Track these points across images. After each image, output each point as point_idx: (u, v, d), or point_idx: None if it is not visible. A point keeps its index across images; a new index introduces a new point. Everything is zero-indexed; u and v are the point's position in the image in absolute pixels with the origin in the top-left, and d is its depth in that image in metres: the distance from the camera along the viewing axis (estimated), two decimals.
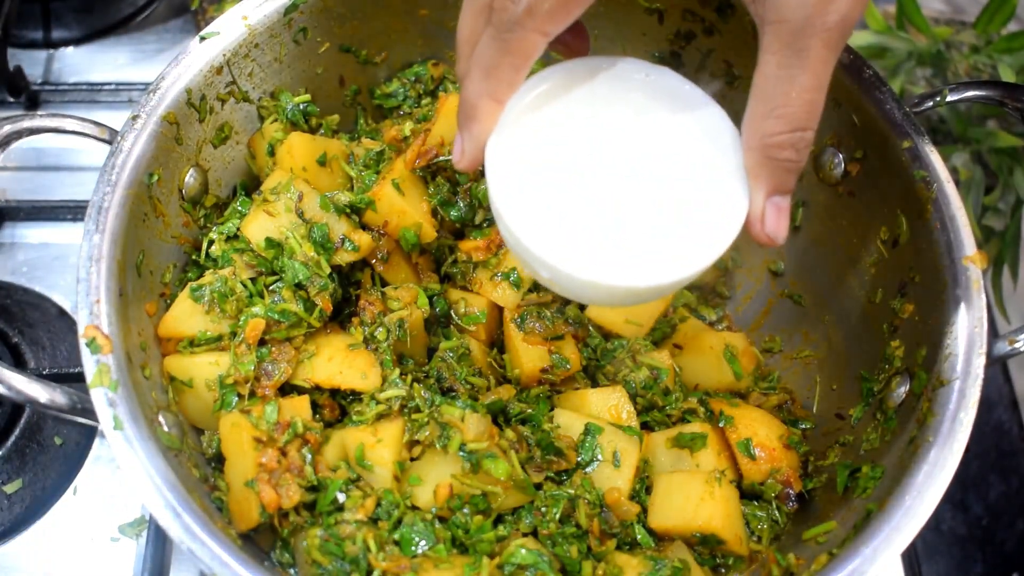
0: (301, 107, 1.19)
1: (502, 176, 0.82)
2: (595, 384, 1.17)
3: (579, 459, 1.03)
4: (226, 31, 1.11)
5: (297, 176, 1.12)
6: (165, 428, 0.95)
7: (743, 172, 0.81)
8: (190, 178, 1.11)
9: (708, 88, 0.91)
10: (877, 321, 1.11)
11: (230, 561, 0.84)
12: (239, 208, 1.13)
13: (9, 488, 1.15)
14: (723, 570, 1.03)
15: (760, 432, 1.09)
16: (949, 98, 1.08)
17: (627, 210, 0.81)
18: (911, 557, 1.17)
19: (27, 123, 1.01)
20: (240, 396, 0.99)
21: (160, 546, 1.11)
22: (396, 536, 0.95)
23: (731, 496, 1.03)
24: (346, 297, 1.13)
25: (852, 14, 0.71)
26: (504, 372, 1.17)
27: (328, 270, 1.05)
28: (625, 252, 0.80)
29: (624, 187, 0.82)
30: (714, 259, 0.81)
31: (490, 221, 1.20)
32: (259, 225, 1.06)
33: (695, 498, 1.00)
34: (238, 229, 1.09)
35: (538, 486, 1.02)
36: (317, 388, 1.04)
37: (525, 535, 0.99)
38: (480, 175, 1.19)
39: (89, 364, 0.89)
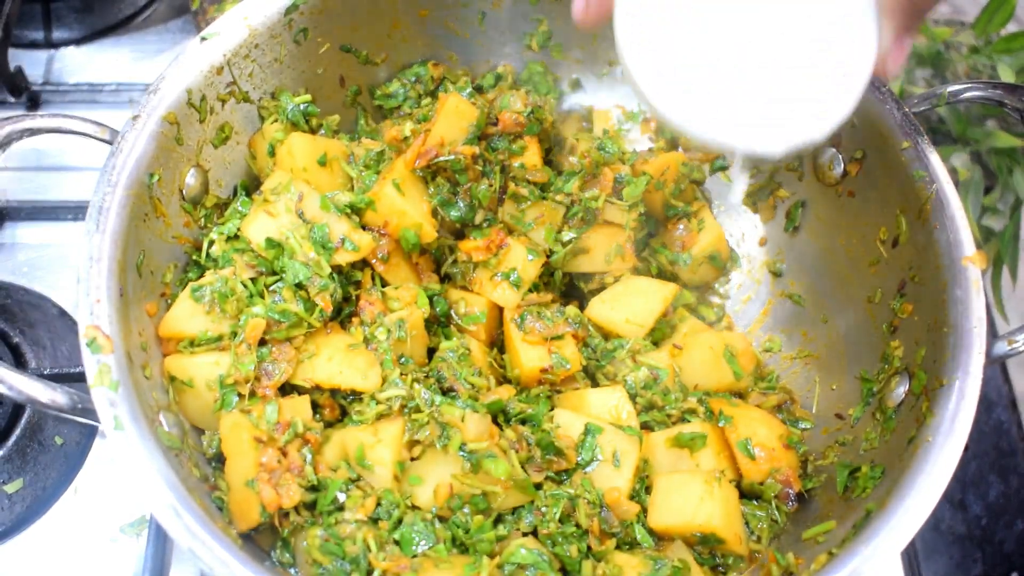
0: (301, 107, 1.19)
1: (631, 31, 0.80)
2: (595, 384, 1.18)
3: (579, 459, 1.04)
4: (226, 32, 1.11)
5: (297, 176, 1.12)
6: (165, 428, 0.95)
7: (872, 11, 0.78)
8: (190, 178, 1.11)
9: None
10: (877, 321, 1.11)
11: (230, 561, 0.84)
12: (239, 208, 1.13)
13: (10, 488, 1.15)
14: (723, 570, 1.03)
15: (760, 432, 1.09)
16: (948, 98, 1.08)
17: (757, 59, 0.79)
18: (911, 556, 1.17)
19: (28, 123, 1.01)
20: (240, 396, 0.99)
21: (160, 546, 1.11)
22: (396, 536, 0.95)
23: (731, 496, 1.03)
24: (346, 297, 1.13)
25: None
26: (504, 372, 1.17)
27: (328, 270, 1.05)
28: (759, 110, 0.79)
29: (753, 33, 0.79)
30: (848, 112, 0.80)
31: (490, 221, 1.20)
32: (259, 225, 1.06)
33: (695, 498, 1.00)
34: (238, 229, 1.09)
35: (538, 486, 1.02)
36: (317, 388, 1.04)
37: (525, 535, 0.99)
38: (479, 174, 1.19)
39: (90, 364, 0.89)
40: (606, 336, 1.22)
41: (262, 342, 1.02)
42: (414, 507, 0.99)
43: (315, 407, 1.04)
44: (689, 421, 1.12)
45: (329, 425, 1.04)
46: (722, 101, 0.79)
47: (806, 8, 0.79)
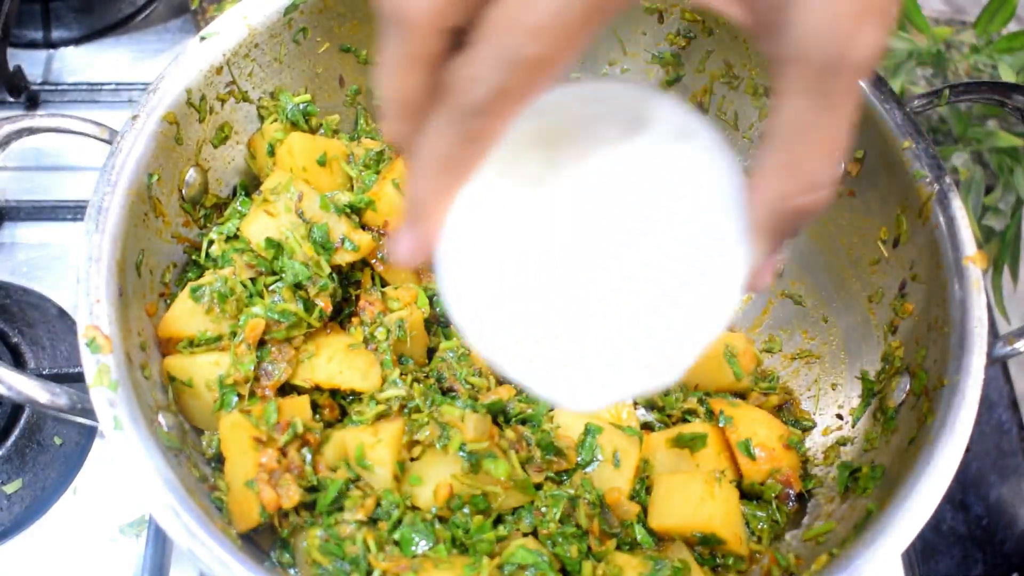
0: (301, 107, 1.19)
1: (455, 281, 0.66)
2: None
3: (579, 459, 1.03)
4: (226, 31, 1.11)
5: (297, 176, 1.12)
6: (165, 428, 0.95)
7: (741, 226, 0.63)
8: (190, 178, 1.11)
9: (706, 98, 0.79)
10: (877, 321, 1.11)
11: (230, 561, 0.84)
12: (239, 208, 1.13)
13: (9, 488, 1.15)
14: (723, 570, 1.03)
15: (760, 432, 1.09)
16: (949, 98, 1.08)
17: (611, 300, 0.65)
18: (911, 557, 1.17)
19: (27, 123, 1.01)
20: (240, 396, 0.99)
21: (160, 546, 1.11)
22: (396, 536, 0.95)
23: (731, 496, 1.03)
24: (346, 297, 1.13)
25: (882, 43, 0.57)
26: None
27: (328, 270, 1.05)
28: (613, 359, 0.65)
29: (607, 268, 0.65)
30: (714, 339, 0.65)
31: None
32: (259, 225, 1.06)
33: (695, 498, 1.00)
34: (238, 229, 1.09)
35: (538, 486, 1.02)
36: (317, 388, 1.04)
37: (525, 535, 0.99)
38: None
39: (89, 364, 0.89)
40: None
41: (262, 342, 1.02)
42: (414, 507, 0.98)
43: (315, 407, 1.04)
44: (689, 421, 1.12)
45: (329, 425, 1.04)
46: (556, 357, 0.65)
47: (666, 239, 0.64)
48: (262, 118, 1.20)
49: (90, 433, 1.23)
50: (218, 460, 1.00)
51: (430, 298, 1.14)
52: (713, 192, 0.64)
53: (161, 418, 0.95)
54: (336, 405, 1.06)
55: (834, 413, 1.15)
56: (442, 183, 0.62)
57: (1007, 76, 1.40)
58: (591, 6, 0.54)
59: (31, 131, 1.02)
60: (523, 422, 1.06)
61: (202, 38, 1.10)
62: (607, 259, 0.65)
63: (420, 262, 0.67)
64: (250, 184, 1.20)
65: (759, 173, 0.63)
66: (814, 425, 1.17)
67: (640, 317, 0.65)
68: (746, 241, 0.63)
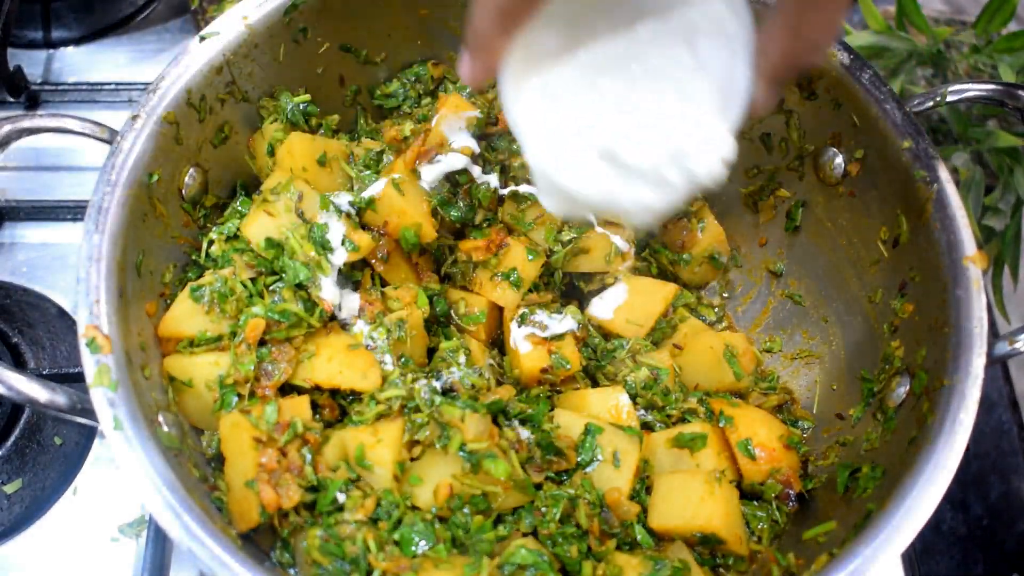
0: (301, 107, 1.19)
1: (520, 105, 0.84)
2: (595, 384, 1.17)
3: (579, 459, 1.03)
4: (226, 31, 1.11)
5: (297, 176, 1.12)
6: (165, 428, 0.95)
7: (750, 67, 0.81)
8: (190, 178, 1.11)
9: None
10: (877, 321, 1.11)
11: (230, 561, 0.84)
12: (239, 208, 1.13)
13: (9, 488, 1.15)
14: (723, 570, 1.03)
15: (760, 432, 1.09)
16: (949, 98, 1.08)
17: (639, 125, 0.82)
18: (911, 557, 1.17)
19: (27, 123, 1.01)
20: (240, 396, 0.99)
21: (160, 546, 1.11)
22: (396, 536, 0.95)
23: (731, 496, 1.03)
24: None
25: None
26: (504, 372, 1.17)
27: (330, 270, 1.05)
28: (642, 176, 0.83)
29: (634, 97, 0.82)
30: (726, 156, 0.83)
31: (490, 221, 1.20)
32: (259, 225, 1.06)
33: (695, 498, 1.00)
34: (238, 229, 1.09)
35: (538, 486, 1.02)
36: (317, 388, 1.04)
37: (525, 535, 0.99)
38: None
39: (89, 364, 0.89)
40: (606, 336, 1.22)
41: (262, 342, 1.02)
42: (414, 507, 0.98)
43: (315, 407, 1.04)
44: (689, 421, 1.12)
45: (329, 425, 1.04)
46: (611, 175, 0.83)
47: (683, 67, 0.82)
48: (262, 118, 1.20)
49: (90, 433, 1.23)
50: (218, 460, 1.00)
51: (430, 298, 1.14)
52: (736, 38, 0.81)
53: (161, 418, 0.95)
54: (336, 405, 1.06)
55: (834, 413, 1.15)
56: (498, 25, 0.78)
57: (1007, 76, 1.40)
58: None
59: (31, 131, 1.02)
60: (523, 422, 1.06)
61: (202, 38, 1.10)
62: (648, 86, 0.82)
63: (482, 84, 0.86)
64: (250, 184, 1.20)
65: (769, 33, 0.79)
66: (814, 425, 1.17)
67: (673, 132, 0.82)
68: (752, 79, 0.81)
